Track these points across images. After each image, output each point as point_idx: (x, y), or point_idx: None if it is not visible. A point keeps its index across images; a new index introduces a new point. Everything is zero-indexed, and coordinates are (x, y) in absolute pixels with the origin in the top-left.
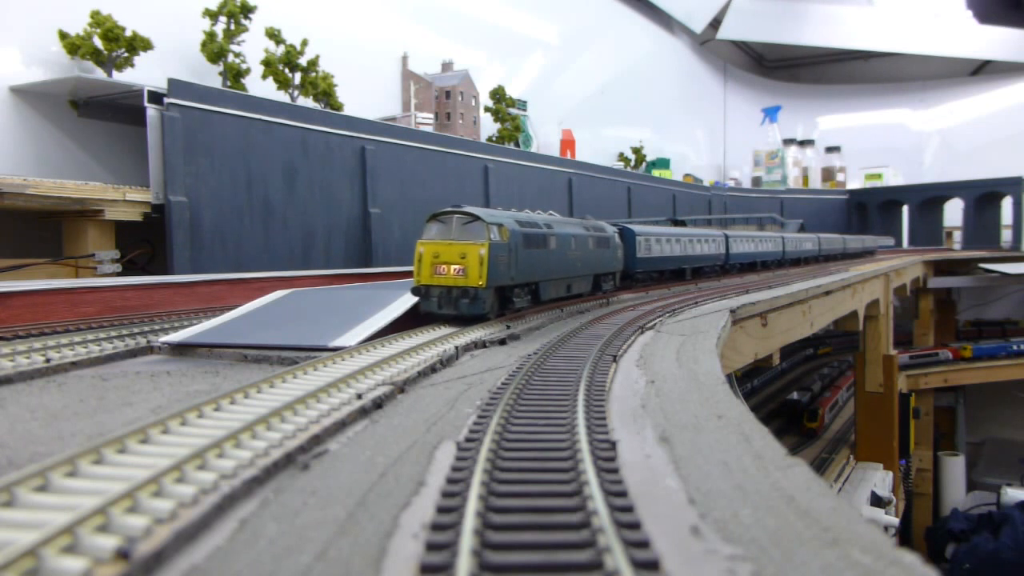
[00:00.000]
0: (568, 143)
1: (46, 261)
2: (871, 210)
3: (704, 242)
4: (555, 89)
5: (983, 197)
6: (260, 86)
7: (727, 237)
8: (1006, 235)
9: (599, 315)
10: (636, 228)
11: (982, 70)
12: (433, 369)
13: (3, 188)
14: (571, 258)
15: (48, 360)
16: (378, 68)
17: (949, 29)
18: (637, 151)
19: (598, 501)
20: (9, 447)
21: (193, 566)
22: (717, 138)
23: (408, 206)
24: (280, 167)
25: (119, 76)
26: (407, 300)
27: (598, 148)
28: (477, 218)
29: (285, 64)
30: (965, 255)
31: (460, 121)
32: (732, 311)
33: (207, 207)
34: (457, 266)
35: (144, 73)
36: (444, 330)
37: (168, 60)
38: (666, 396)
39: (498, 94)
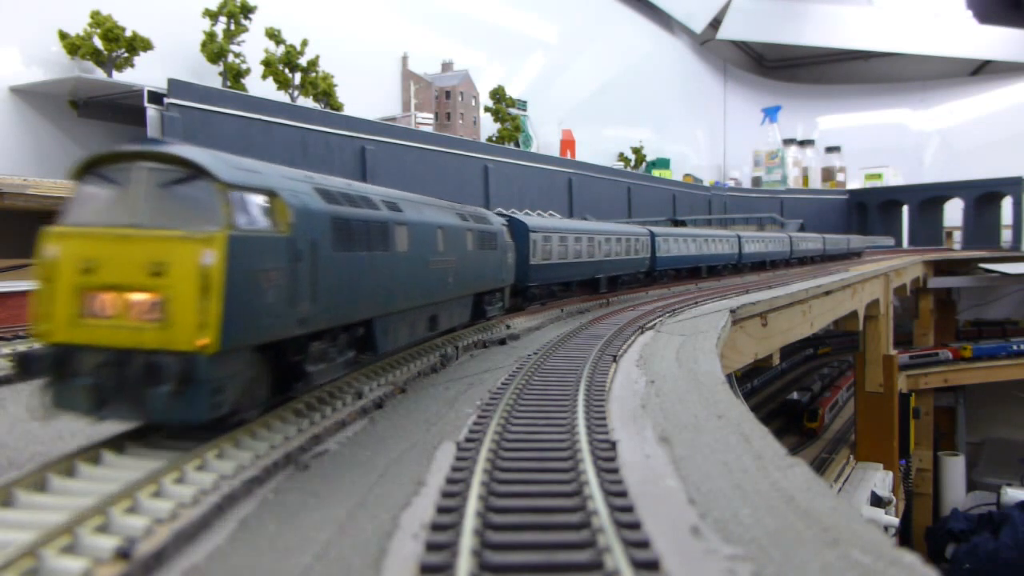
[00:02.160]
0: (568, 143)
1: None
2: (871, 210)
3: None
4: (555, 89)
5: (983, 197)
6: (260, 86)
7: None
8: (1006, 235)
9: (599, 315)
10: (531, 222)
11: (982, 70)
12: (433, 369)
13: (3, 188)
14: (436, 268)
15: None
16: (378, 68)
17: (949, 29)
18: (637, 151)
19: (598, 501)
20: (9, 447)
21: (193, 566)
22: (717, 138)
23: None
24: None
25: (119, 76)
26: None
27: (598, 148)
28: (199, 172)
29: (285, 64)
30: (965, 255)
31: (460, 121)
32: (732, 311)
33: None
34: (140, 298)
35: (144, 73)
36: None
37: (168, 60)
38: (666, 396)
39: (498, 94)
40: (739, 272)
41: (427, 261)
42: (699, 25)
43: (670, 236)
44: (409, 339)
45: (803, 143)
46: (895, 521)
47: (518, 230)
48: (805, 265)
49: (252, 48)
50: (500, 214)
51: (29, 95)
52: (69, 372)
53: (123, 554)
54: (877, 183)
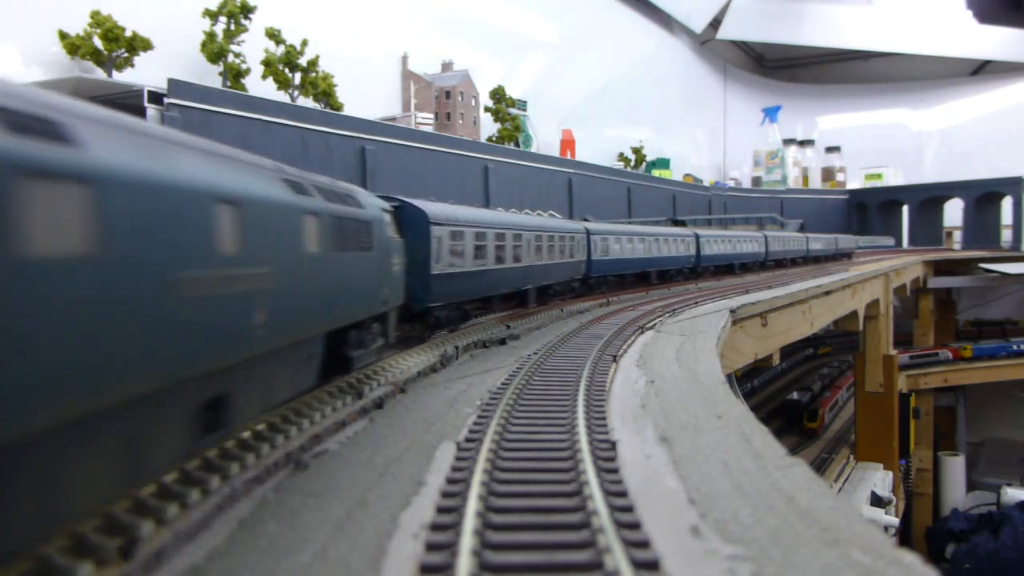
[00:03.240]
0: (568, 143)
1: None
2: (871, 210)
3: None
4: (555, 89)
5: (983, 197)
6: (260, 86)
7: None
8: (1006, 235)
9: (599, 315)
10: (431, 209)
11: (982, 70)
12: (433, 369)
13: None
14: (209, 294)
15: None
16: (378, 68)
17: (949, 29)
18: (637, 151)
19: (598, 501)
20: None
21: (193, 566)
22: (717, 138)
23: None
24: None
25: (119, 76)
26: None
27: (598, 148)
28: None
29: (285, 64)
30: (965, 255)
31: (460, 121)
32: (732, 311)
33: None
34: None
35: (144, 73)
36: None
37: (168, 60)
38: (666, 396)
39: (498, 94)
40: (696, 278)
41: (168, 279)
42: (699, 25)
43: (611, 235)
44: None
45: (803, 143)
46: (895, 521)
47: (411, 222)
48: (784, 268)
49: (252, 48)
50: (386, 198)
51: None
52: None
53: (125, 553)
54: (877, 183)
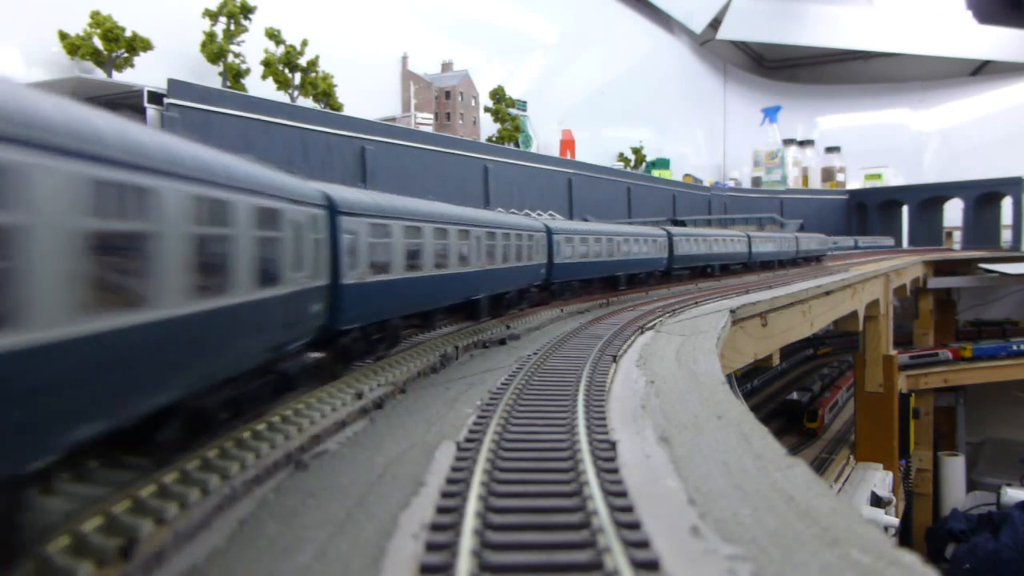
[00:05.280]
0: (568, 143)
1: None
2: (871, 210)
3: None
4: (555, 89)
5: (983, 197)
6: (260, 86)
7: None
8: (1006, 235)
9: (599, 315)
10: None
11: (982, 70)
12: (433, 369)
13: None
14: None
15: None
16: (378, 68)
17: (949, 29)
18: (637, 151)
19: (598, 501)
20: None
21: (192, 566)
22: (717, 138)
23: None
24: (280, 167)
25: (119, 76)
26: None
27: (598, 148)
28: None
29: (285, 64)
30: (965, 255)
31: (460, 121)
32: (732, 311)
33: None
34: None
35: (144, 73)
36: None
37: (168, 60)
38: (666, 396)
39: (498, 94)
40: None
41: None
42: (699, 25)
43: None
44: None
45: (803, 143)
46: (895, 521)
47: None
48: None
49: (252, 48)
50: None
51: None
52: None
53: (125, 553)
54: (877, 183)
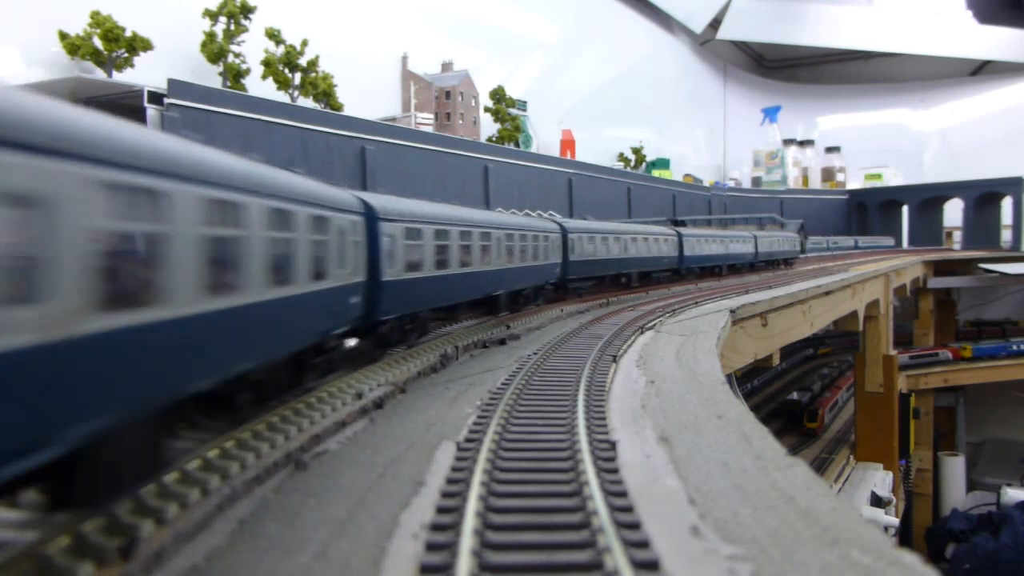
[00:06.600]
0: (568, 143)
1: None
2: (871, 210)
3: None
4: (555, 89)
5: (983, 197)
6: (260, 86)
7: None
8: (1006, 235)
9: (599, 315)
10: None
11: (982, 70)
12: (433, 369)
13: None
14: None
15: None
16: (378, 68)
17: (949, 29)
18: (637, 151)
19: (598, 501)
20: None
21: (192, 566)
22: (717, 138)
23: None
24: (280, 167)
25: (119, 76)
26: None
27: (598, 148)
28: None
29: (285, 64)
30: (965, 255)
31: (460, 121)
32: (732, 311)
33: None
34: None
35: (144, 73)
36: None
37: (168, 60)
38: (666, 396)
39: (498, 94)
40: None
41: None
42: (699, 25)
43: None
44: None
45: (803, 143)
46: (895, 521)
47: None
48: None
49: (252, 48)
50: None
51: None
52: None
53: (125, 553)
54: (877, 183)
